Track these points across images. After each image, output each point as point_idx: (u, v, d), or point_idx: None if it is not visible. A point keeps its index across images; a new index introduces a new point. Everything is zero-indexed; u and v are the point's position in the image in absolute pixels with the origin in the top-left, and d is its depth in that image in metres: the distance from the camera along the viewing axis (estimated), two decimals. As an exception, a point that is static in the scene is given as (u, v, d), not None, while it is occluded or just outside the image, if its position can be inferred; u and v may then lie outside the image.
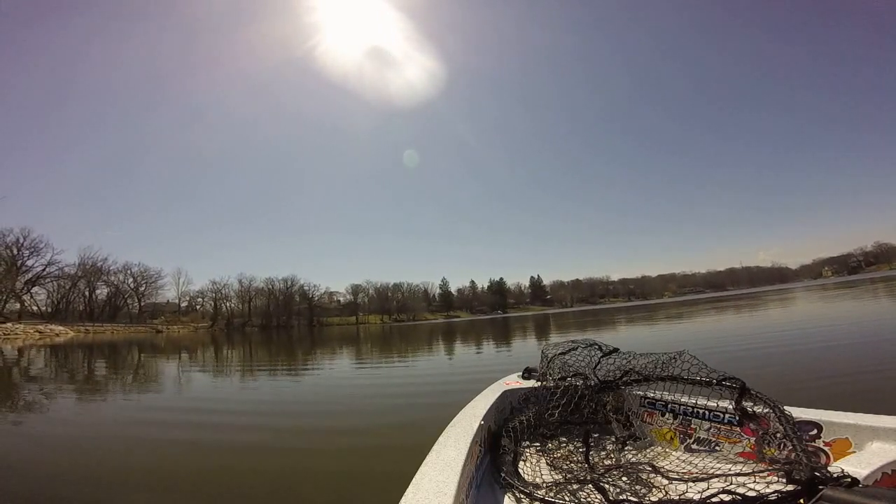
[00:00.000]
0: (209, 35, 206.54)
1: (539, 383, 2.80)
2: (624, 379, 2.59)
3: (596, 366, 2.75)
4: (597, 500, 1.56)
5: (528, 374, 3.14)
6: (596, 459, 2.08)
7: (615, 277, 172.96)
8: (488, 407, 2.34)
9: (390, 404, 6.63)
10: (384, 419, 5.64)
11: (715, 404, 2.20)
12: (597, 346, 2.93)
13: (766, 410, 1.98)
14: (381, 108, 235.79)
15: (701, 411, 2.26)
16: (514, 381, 3.00)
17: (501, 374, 3.33)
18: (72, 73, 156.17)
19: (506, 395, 2.69)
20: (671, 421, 2.40)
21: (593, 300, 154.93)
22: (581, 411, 2.50)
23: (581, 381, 2.61)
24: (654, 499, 1.61)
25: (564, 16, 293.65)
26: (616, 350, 2.84)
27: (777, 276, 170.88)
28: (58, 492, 3.45)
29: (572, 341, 3.07)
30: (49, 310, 74.69)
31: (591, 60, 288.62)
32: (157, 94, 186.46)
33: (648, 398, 2.55)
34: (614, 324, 25.18)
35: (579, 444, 2.20)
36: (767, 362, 7.68)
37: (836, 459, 1.77)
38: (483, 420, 2.11)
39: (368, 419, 5.69)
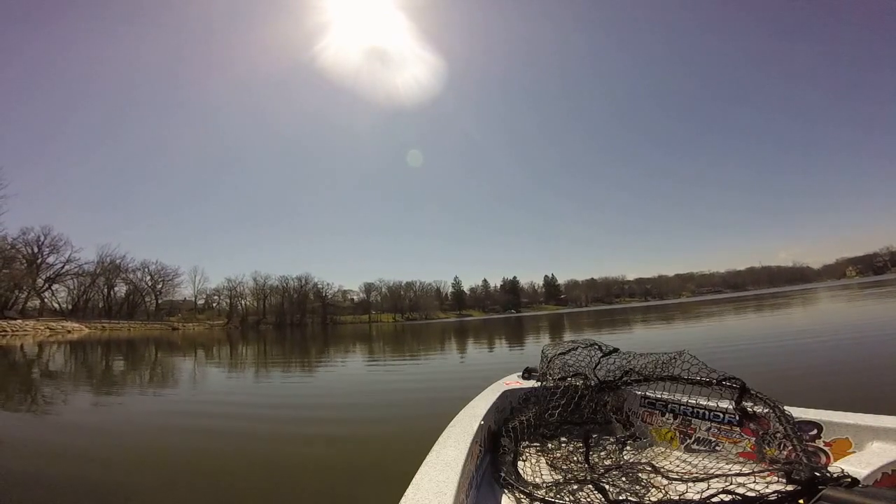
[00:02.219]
0: (222, 37, 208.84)
1: (539, 383, 2.79)
2: (624, 379, 2.60)
3: (596, 366, 2.76)
4: (597, 500, 1.55)
5: (528, 374, 3.13)
6: (596, 459, 2.07)
7: (631, 277, 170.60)
8: (488, 407, 2.33)
9: (397, 403, 6.61)
10: (390, 417, 5.63)
11: (715, 404, 2.20)
12: (597, 346, 2.92)
13: (766, 410, 1.98)
14: (389, 108, 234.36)
15: (701, 411, 2.25)
16: (514, 381, 2.99)
17: (510, 372, 3.31)
18: (89, 75, 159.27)
19: (506, 395, 2.69)
20: (671, 421, 2.39)
21: (609, 300, 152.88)
22: (581, 411, 2.52)
23: (581, 381, 2.62)
24: (653, 499, 1.60)
25: (573, 14, 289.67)
26: (616, 350, 2.83)
27: (798, 276, 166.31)
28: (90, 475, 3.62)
29: (572, 341, 3.05)
30: (69, 307, 76.39)
31: (600, 59, 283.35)
32: (174, 96, 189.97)
33: (648, 398, 2.54)
34: (629, 323, 24.92)
35: (579, 444, 2.20)
36: (769, 362, 7.66)
37: (836, 459, 1.77)
38: (483, 420, 2.10)
39: (374, 417, 5.70)
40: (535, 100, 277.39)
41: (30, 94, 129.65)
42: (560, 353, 2.90)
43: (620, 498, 1.53)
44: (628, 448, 2.31)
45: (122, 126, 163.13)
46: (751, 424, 2.03)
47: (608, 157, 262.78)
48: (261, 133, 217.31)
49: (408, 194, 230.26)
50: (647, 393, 2.55)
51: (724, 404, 2.16)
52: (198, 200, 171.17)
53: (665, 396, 2.44)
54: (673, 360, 2.39)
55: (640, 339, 14.87)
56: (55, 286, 74.99)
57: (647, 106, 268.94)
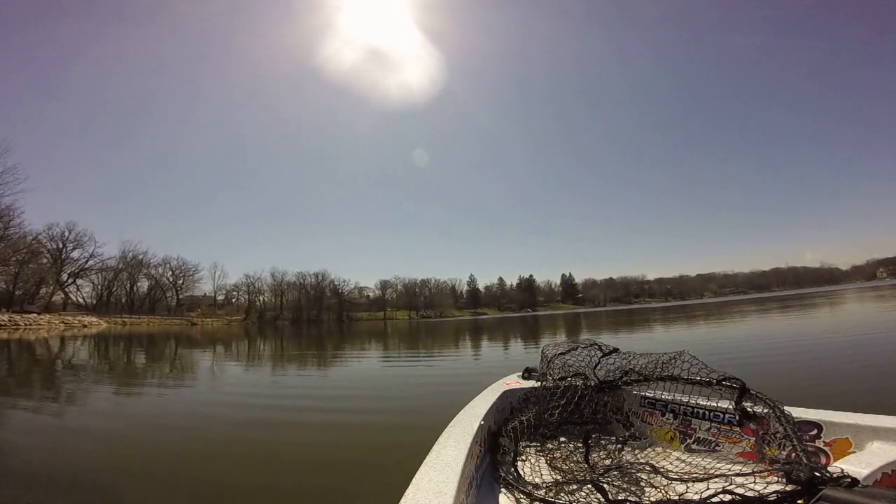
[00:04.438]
0: (237, 39, 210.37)
1: (539, 383, 2.79)
2: (624, 379, 2.61)
3: (596, 366, 2.77)
4: (596, 501, 1.57)
5: (528, 374, 3.13)
6: (596, 459, 2.08)
7: (651, 277, 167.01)
8: (488, 407, 2.34)
9: (400, 401, 6.61)
10: (392, 416, 5.61)
11: (715, 404, 2.20)
12: (597, 346, 2.93)
13: (766, 410, 1.98)
14: (400, 106, 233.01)
15: (701, 411, 2.26)
16: (514, 381, 3.00)
17: (519, 370, 3.32)
18: (109, 75, 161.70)
19: (506, 395, 2.69)
20: (671, 421, 2.39)
21: (627, 300, 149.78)
22: (581, 411, 2.53)
23: (581, 381, 2.63)
24: (653, 499, 1.61)
25: (589, 10, 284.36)
26: (616, 350, 2.83)
27: (826, 278, 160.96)
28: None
29: (573, 341, 3.06)
30: (93, 302, 78.31)
31: (618, 55, 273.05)
32: (190, 96, 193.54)
33: (648, 398, 2.53)
34: (648, 324, 24.57)
35: (579, 444, 2.20)
36: (770, 362, 7.68)
37: (836, 459, 1.77)
38: (483, 420, 2.11)
39: (376, 415, 5.69)
40: (550, 97, 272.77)
41: (52, 94, 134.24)
42: (560, 354, 2.90)
43: (620, 498, 1.54)
44: (628, 448, 2.31)
45: (140, 125, 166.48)
46: (751, 424, 2.03)
47: (627, 154, 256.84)
48: (273, 132, 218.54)
49: (422, 193, 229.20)
50: (647, 393, 2.55)
51: (724, 404, 2.16)
52: (214, 197, 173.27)
53: (665, 396, 2.44)
54: (673, 361, 2.39)
55: (664, 341, 14.58)
56: (79, 281, 77.00)
57: (666, 103, 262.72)
